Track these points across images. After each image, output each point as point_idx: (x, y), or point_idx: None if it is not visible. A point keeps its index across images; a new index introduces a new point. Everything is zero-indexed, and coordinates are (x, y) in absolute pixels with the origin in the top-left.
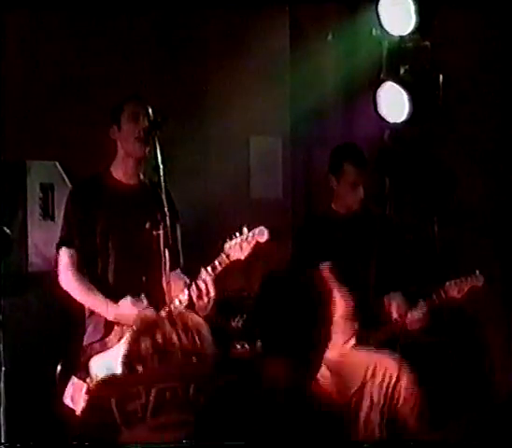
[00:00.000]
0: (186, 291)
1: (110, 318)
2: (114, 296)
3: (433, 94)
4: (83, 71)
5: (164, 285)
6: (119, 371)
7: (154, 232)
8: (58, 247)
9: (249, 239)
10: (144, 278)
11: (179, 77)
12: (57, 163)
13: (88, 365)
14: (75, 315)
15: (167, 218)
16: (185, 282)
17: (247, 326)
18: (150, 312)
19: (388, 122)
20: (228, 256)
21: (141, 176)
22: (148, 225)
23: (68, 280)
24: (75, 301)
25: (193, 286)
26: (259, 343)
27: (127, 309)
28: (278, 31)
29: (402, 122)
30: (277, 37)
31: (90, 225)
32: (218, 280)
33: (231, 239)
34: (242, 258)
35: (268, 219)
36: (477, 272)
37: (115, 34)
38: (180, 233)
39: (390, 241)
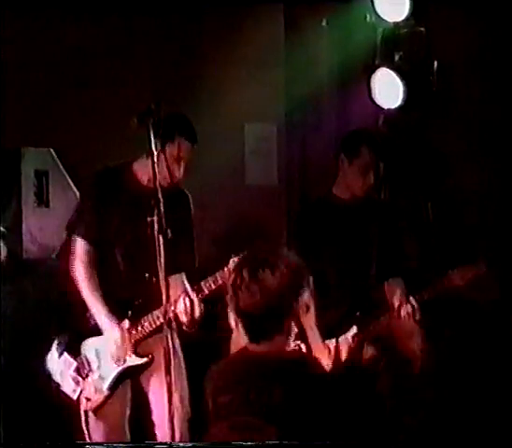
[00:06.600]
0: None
1: (99, 323)
2: (118, 294)
3: (427, 80)
4: (79, 57)
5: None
6: (105, 355)
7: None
8: (71, 234)
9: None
10: (148, 279)
11: (174, 65)
12: (52, 150)
13: (80, 345)
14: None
15: (177, 221)
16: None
17: None
18: None
19: (382, 108)
20: (215, 282)
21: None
22: (155, 227)
23: (80, 275)
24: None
25: (181, 299)
26: None
27: (110, 332)
28: (273, 17)
29: (396, 108)
30: (271, 24)
31: (107, 221)
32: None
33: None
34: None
35: (263, 206)
36: (480, 258)
37: (111, 21)
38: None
39: (392, 228)
